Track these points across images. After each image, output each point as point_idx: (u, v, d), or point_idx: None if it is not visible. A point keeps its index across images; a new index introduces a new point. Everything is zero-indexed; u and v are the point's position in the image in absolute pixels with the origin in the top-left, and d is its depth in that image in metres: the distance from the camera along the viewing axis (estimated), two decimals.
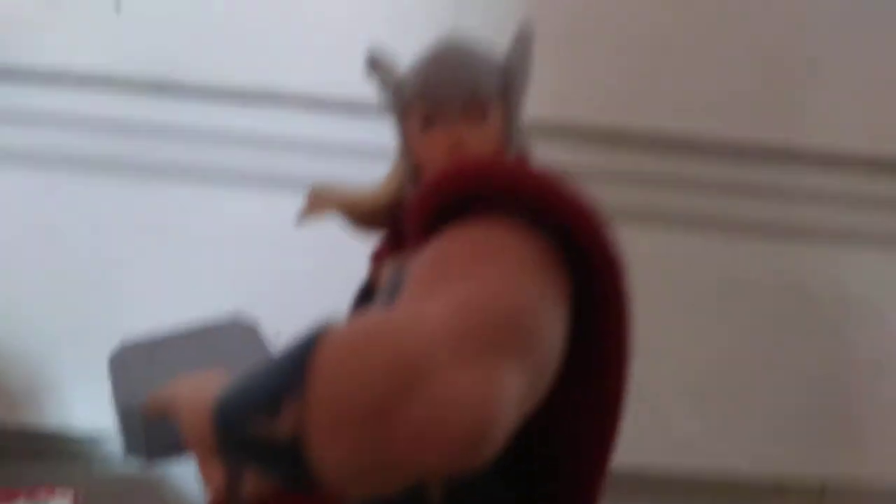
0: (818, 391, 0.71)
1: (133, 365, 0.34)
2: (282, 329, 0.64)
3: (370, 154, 0.63)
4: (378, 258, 0.32)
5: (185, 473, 0.69)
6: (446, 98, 0.26)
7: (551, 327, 0.21)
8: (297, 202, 0.62)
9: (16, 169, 0.65)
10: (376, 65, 0.29)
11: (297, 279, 0.66)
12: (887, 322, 0.72)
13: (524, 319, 0.20)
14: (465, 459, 0.18)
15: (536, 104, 0.64)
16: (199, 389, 0.25)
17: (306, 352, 0.18)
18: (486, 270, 0.20)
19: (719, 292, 0.71)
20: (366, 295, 0.31)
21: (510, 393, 0.19)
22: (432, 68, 0.27)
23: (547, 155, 0.65)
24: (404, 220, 0.25)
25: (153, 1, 0.62)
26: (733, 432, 0.70)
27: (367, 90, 0.60)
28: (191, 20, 0.62)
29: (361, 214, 0.30)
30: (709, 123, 0.66)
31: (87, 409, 0.68)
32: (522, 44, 0.28)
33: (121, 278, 0.67)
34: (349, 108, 0.63)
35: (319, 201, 0.30)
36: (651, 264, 0.68)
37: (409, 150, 0.28)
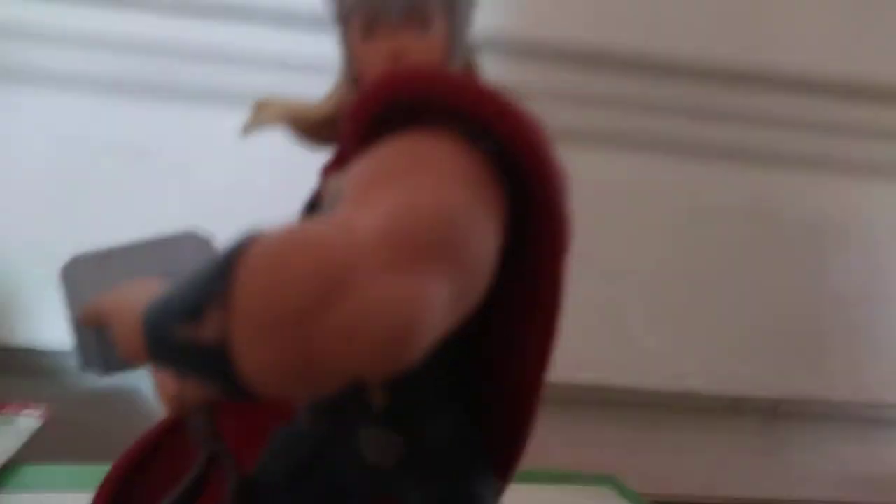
0: (780, 315, 0.73)
1: (84, 277, 0.34)
2: None
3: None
4: (326, 172, 0.32)
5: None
6: (386, 5, 0.25)
7: (483, 239, 0.21)
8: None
9: None
10: None
11: (264, 196, 0.66)
12: (854, 250, 0.73)
13: (454, 230, 0.20)
14: (391, 361, 0.18)
15: (511, 24, 0.64)
16: (132, 298, 0.25)
17: (232, 257, 0.18)
18: (419, 179, 0.20)
19: (690, 216, 0.71)
20: (311, 208, 0.31)
21: (436, 300, 0.19)
22: None
23: (519, 75, 0.64)
24: (341, 130, 0.25)
25: None
26: (693, 353, 0.72)
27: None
28: None
29: (306, 125, 0.30)
30: (682, 46, 0.66)
31: (56, 326, 0.67)
32: None
33: (85, 195, 0.66)
34: (315, 22, 0.62)
35: (263, 112, 0.30)
36: (622, 187, 0.69)
37: (350, 60, 0.27)
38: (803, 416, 0.75)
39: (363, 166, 0.22)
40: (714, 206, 0.71)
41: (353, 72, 0.28)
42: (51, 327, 0.71)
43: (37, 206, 0.66)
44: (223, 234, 0.63)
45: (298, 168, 0.65)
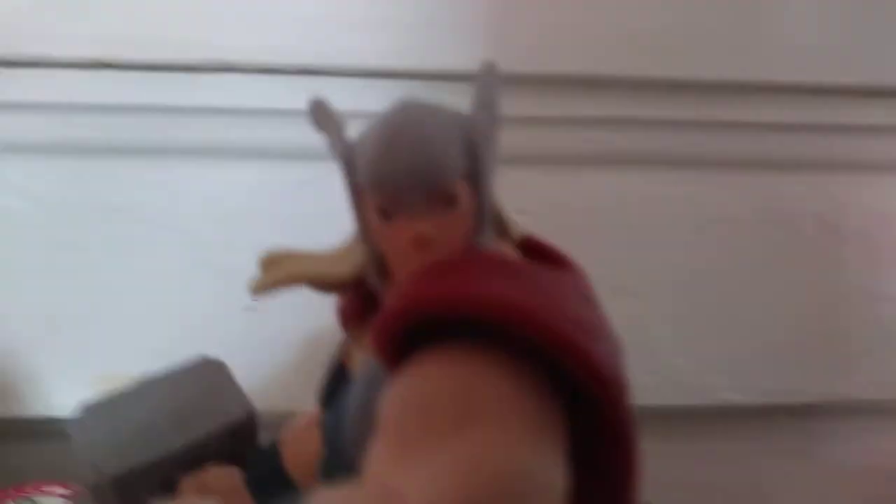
0: (805, 318, 0.71)
1: (96, 431, 0.32)
2: (260, 306, 0.63)
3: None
4: (347, 319, 0.29)
5: None
6: (404, 191, 0.22)
7: (558, 488, 0.18)
8: (261, 172, 0.59)
9: None
10: (320, 120, 0.25)
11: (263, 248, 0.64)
12: (874, 246, 0.71)
13: (530, 495, 0.17)
14: None
15: (516, 56, 0.60)
16: None
17: None
18: (473, 436, 0.17)
19: (705, 227, 0.69)
20: (339, 371, 0.29)
21: None
22: (384, 156, 0.22)
23: (526, 106, 0.61)
24: (369, 337, 0.22)
25: None
26: (723, 365, 0.70)
27: (322, 56, 0.56)
28: None
29: (323, 286, 0.27)
30: (678, 61, 0.63)
31: (67, 392, 0.66)
32: (489, 86, 0.23)
33: (84, 258, 0.64)
34: (305, 73, 0.59)
35: (273, 272, 0.27)
36: (636, 204, 0.66)
37: (367, 236, 0.24)
38: (838, 416, 0.73)
39: (400, 403, 0.19)
40: (728, 215, 0.69)
41: (370, 247, 0.24)
42: (62, 394, 0.67)
43: (37, 273, 0.64)
44: (228, 292, 0.61)
45: (298, 219, 0.63)
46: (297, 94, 0.59)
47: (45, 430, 0.67)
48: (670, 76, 0.62)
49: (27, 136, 0.60)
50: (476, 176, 0.23)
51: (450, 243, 0.22)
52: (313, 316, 0.62)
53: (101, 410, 0.32)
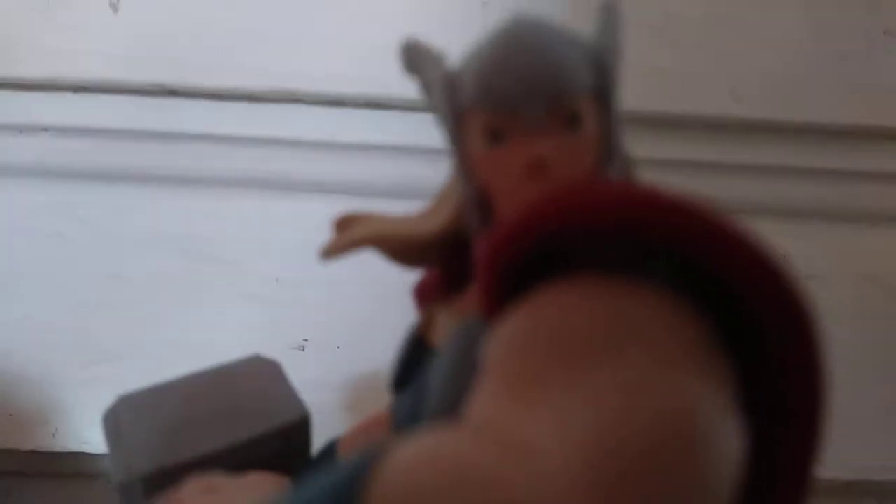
0: (891, 391, 0.65)
1: (131, 425, 0.28)
2: (311, 338, 0.59)
3: (398, 153, 0.57)
4: (424, 295, 0.25)
5: None
6: (521, 103, 0.18)
7: (728, 454, 0.14)
8: (319, 206, 0.56)
9: (15, 182, 0.59)
10: (415, 60, 0.21)
11: (325, 288, 0.61)
12: None
13: (691, 461, 0.13)
14: None
15: None
16: None
17: (351, 492, 0.12)
18: (619, 364, 0.13)
19: None
20: (416, 347, 0.24)
21: None
22: (499, 62, 0.18)
23: None
24: (472, 273, 0.18)
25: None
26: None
27: (388, 87, 0.54)
28: (196, 19, 0.56)
29: (405, 249, 0.23)
30: (763, 106, 0.60)
31: (100, 430, 0.63)
32: (611, 20, 0.20)
33: (130, 293, 0.61)
34: (370, 106, 0.57)
35: (350, 233, 0.24)
36: None
37: (468, 171, 0.20)
38: None
39: (518, 334, 0.15)
40: (820, 270, 0.64)
41: (472, 185, 0.20)
42: (96, 429, 0.68)
43: (76, 302, 0.61)
44: (282, 329, 0.58)
45: (350, 254, 0.59)
46: (357, 127, 0.58)
47: (78, 467, 0.63)
48: (752, 117, 0.59)
49: (81, 161, 0.59)
50: (604, 94, 0.19)
51: (572, 171, 0.18)
52: (364, 356, 0.59)
53: (138, 403, 0.29)
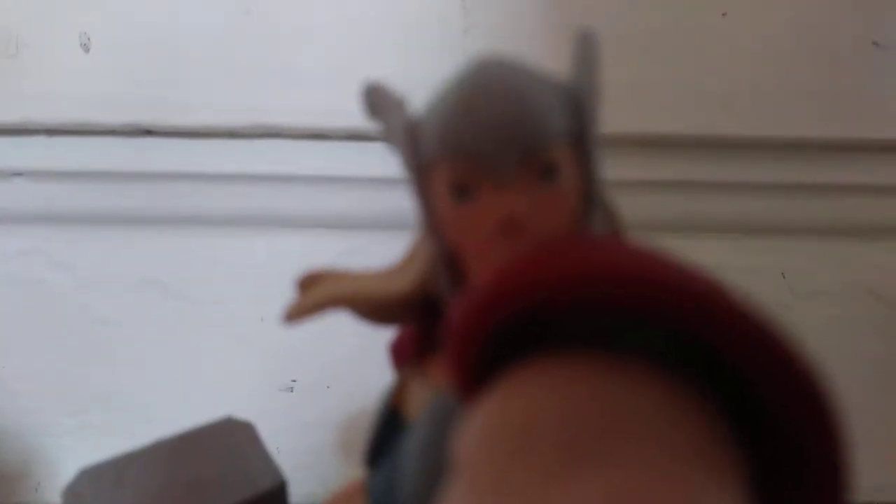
0: None
1: (93, 498, 0.26)
2: (299, 379, 0.57)
3: (382, 185, 0.56)
4: (400, 356, 0.24)
5: None
6: (490, 156, 0.16)
7: None
8: (302, 242, 0.55)
9: None
10: (376, 105, 0.19)
11: (312, 326, 0.59)
12: None
13: None
14: None
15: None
16: None
17: None
18: (618, 463, 0.11)
19: (785, 302, 0.62)
20: (389, 418, 0.22)
21: None
22: (464, 110, 0.16)
23: (604, 169, 0.57)
24: (440, 342, 0.16)
25: (125, 38, 0.54)
26: None
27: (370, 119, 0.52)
28: (170, 56, 0.55)
29: (373, 309, 0.21)
30: (756, 122, 0.58)
31: None
32: (588, 53, 0.18)
33: (115, 338, 0.60)
34: (352, 137, 0.55)
35: (315, 294, 0.22)
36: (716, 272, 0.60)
37: (435, 228, 0.18)
38: None
39: (496, 428, 0.13)
40: (816, 287, 0.62)
41: (440, 243, 0.18)
42: None
43: (62, 351, 0.60)
44: (270, 370, 0.56)
45: None
46: (340, 160, 0.57)
47: None
48: (742, 134, 0.58)
49: (58, 205, 0.57)
50: (582, 140, 0.17)
51: (549, 228, 0.16)
52: (356, 397, 0.57)
53: (100, 477, 0.27)
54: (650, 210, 0.58)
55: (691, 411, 0.12)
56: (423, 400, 0.19)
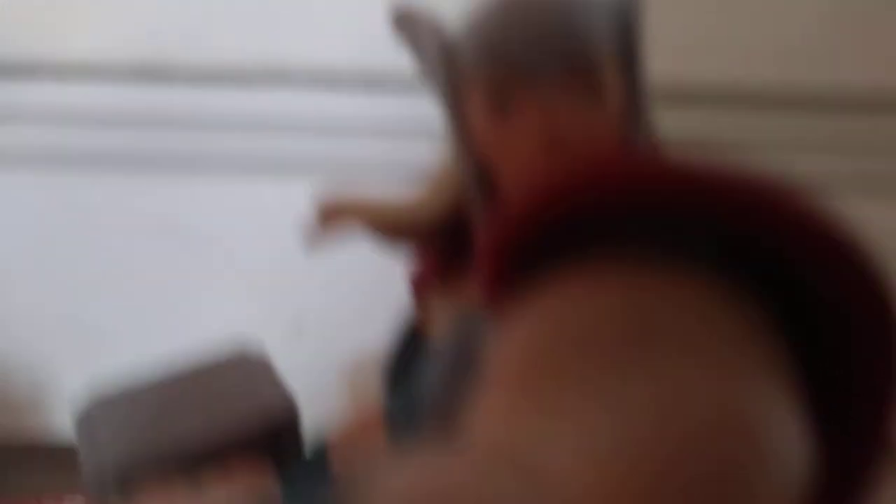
0: None
1: (104, 427, 0.26)
2: (305, 328, 0.57)
3: (396, 133, 0.55)
4: (421, 284, 0.23)
5: None
6: (535, 62, 0.15)
7: (792, 458, 0.11)
8: (311, 188, 0.54)
9: (2, 170, 0.57)
10: (407, 28, 0.18)
11: (320, 270, 0.59)
12: None
13: (747, 466, 0.10)
14: None
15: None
16: None
17: None
18: (661, 363, 0.11)
19: None
20: (411, 339, 0.22)
21: None
22: (508, 18, 0.16)
23: None
24: (474, 260, 0.16)
25: None
26: None
27: (384, 64, 0.51)
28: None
29: (394, 229, 0.20)
30: (772, 73, 0.57)
31: None
32: None
33: (125, 279, 0.60)
34: (363, 82, 0.54)
35: (334, 213, 0.21)
36: None
37: (469, 147, 0.17)
38: None
39: (531, 337, 0.12)
40: None
41: (473, 163, 0.17)
42: None
43: (75, 290, 0.60)
44: (277, 312, 0.55)
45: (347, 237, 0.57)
46: (351, 109, 0.56)
47: (68, 457, 0.62)
48: (763, 86, 0.56)
49: (70, 147, 0.57)
50: (629, 56, 0.16)
51: (594, 144, 0.16)
52: (359, 338, 0.57)
53: (112, 405, 0.27)
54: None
55: (735, 317, 0.12)
56: (445, 319, 0.19)
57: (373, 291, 0.55)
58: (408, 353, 0.21)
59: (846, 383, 0.12)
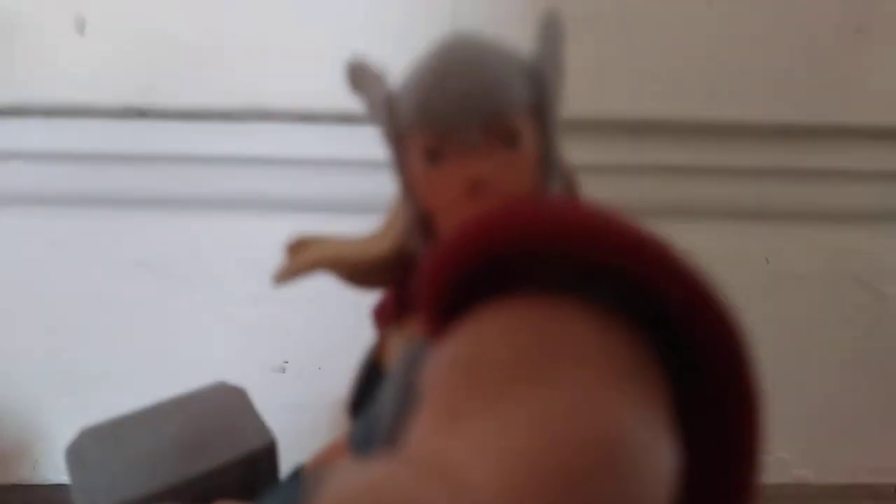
0: (890, 389, 0.64)
1: (94, 458, 0.28)
2: (291, 360, 0.58)
3: (374, 168, 0.57)
4: (382, 317, 0.25)
5: None
6: (457, 123, 0.18)
7: (657, 473, 0.13)
8: (296, 223, 0.56)
9: None
10: (359, 79, 0.21)
11: (306, 308, 0.60)
12: None
13: (617, 483, 0.12)
14: None
15: (570, 100, 0.58)
16: None
17: None
18: (552, 391, 0.13)
19: (773, 283, 0.63)
20: (372, 370, 0.24)
21: None
22: (434, 82, 0.18)
23: (581, 153, 0.59)
24: (413, 292, 0.18)
25: (119, 20, 0.55)
26: (795, 439, 0.64)
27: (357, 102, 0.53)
28: (163, 39, 0.56)
29: (356, 271, 0.23)
30: (741, 107, 0.59)
31: None
32: (553, 34, 0.19)
33: (110, 319, 0.61)
34: (343, 120, 0.56)
35: (302, 257, 0.23)
36: (697, 257, 0.61)
37: (411, 191, 0.20)
38: None
39: (454, 358, 0.15)
40: (800, 271, 0.63)
41: (416, 205, 0.20)
42: None
43: (58, 331, 0.61)
44: (263, 350, 0.57)
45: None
46: (332, 142, 0.58)
47: (59, 499, 0.62)
48: (727, 119, 0.59)
49: (53, 186, 0.58)
50: (542, 111, 0.19)
51: (511, 189, 0.18)
52: (346, 377, 0.58)
53: (102, 436, 0.28)
54: (636, 194, 0.59)
55: (625, 344, 0.14)
56: (399, 350, 0.21)
57: (358, 330, 0.56)
58: (369, 382, 0.23)
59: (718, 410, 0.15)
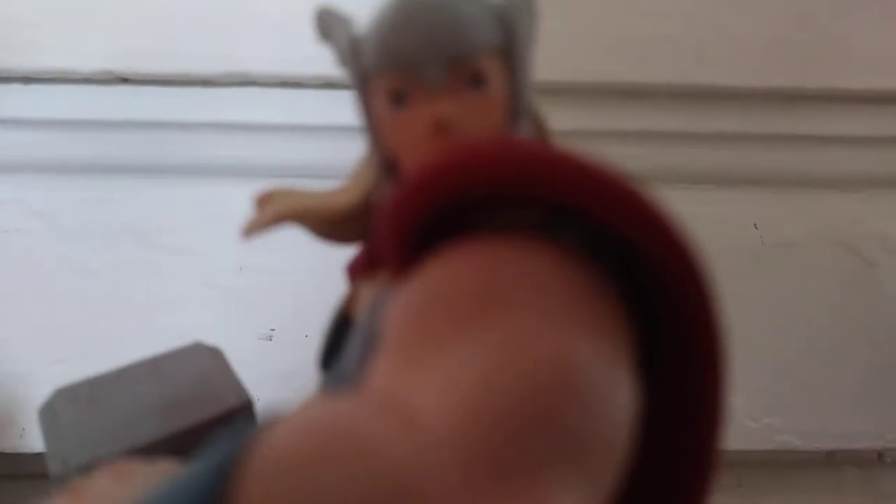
0: (878, 356, 0.64)
1: (67, 417, 0.28)
2: (278, 328, 0.58)
3: (354, 132, 0.56)
4: (354, 272, 0.24)
5: None
6: (421, 64, 0.17)
7: (617, 404, 0.13)
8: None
9: None
10: (327, 27, 0.20)
11: (291, 275, 0.60)
12: None
13: (574, 405, 0.12)
14: None
15: (554, 65, 0.57)
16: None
17: (231, 462, 0.11)
18: (507, 321, 0.13)
19: (767, 251, 0.63)
20: (341, 324, 0.24)
21: None
22: (398, 24, 0.18)
23: (565, 118, 0.58)
24: (376, 234, 0.18)
25: None
26: (784, 407, 0.64)
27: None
28: (145, 4, 0.55)
29: (324, 222, 0.22)
30: (730, 72, 0.59)
31: None
32: None
33: (94, 287, 0.60)
34: (326, 85, 0.55)
35: (271, 209, 0.23)
36: (691, 225, 0.61)
37: (377, 136, 0.19)
38: None
39: (411, 299, 0.15)
40: (788, 238, 0.63)
41: (382, 151, 0.20)
42: None
43: (41, 300, 0.60)
44: (249, 319, 0.56)
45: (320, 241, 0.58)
46: (314, 109, 0.57)
47: (43, 467, 0.62)
48: (716, 84, 0.58)
49: (32, 154, 0.57)
50: (510, 52, 0.18)
51: (476, 130, 0.18)
52: None
53: (75, 395, 0.28)
54: (623, 160, 0.58)
55: (582, 280, 0.14)
56: (367, 300, 0.21)
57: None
58: (339, 335, 0.23)
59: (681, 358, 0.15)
